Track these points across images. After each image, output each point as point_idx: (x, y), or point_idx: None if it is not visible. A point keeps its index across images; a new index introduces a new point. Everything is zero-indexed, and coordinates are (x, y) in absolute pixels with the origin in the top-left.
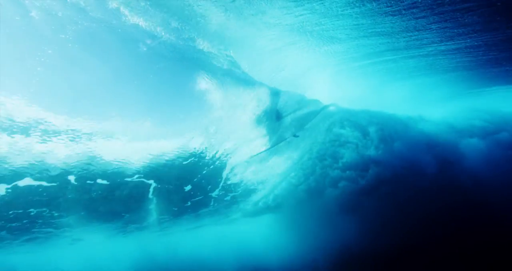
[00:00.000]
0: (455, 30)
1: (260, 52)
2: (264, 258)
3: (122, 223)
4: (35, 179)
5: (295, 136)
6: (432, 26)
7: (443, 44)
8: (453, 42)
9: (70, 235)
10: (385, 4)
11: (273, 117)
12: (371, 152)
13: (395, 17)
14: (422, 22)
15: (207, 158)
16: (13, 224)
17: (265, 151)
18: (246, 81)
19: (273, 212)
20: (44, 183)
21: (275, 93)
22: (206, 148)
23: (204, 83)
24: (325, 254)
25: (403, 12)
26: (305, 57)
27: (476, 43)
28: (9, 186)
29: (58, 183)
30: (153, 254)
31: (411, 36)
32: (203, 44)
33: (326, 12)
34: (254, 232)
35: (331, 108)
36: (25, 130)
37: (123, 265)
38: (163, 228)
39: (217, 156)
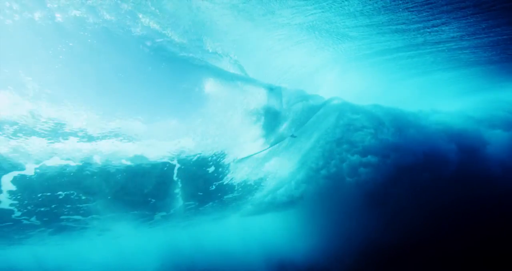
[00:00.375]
0: (477, 25)
1: (268, 52)
2: (290, 251)
3: (148, 210)
4: (63, 158)
5: (292, 136)
6: (452, 22)
7: (465, 39)
8: (475, 37)
9: (98, 225)
10: (401, 1)
11: (276, 114)
12: (389, 137)
13: (412, 13)
14: (441, 17)
15: (216, 153)
16: (42, 209)
17: (271, 146)
18: (251, 82)
19: (297, 204)
20: (71, 163)
21: (277, 91)
22: (216, 142)
23: (209, 83)
24: (349, 247)
25: (420, 8)
26: (314, 56)
27: (500, 38)
28: (38, 166)
29: (84, 163)
30: (179, 246)
31: (429, 32)
32: (209, 46)
33: (337, 10)
34: (279, 225)
35: (335, 101)
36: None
37: (150, 257)
38: (189, 217)
39: (227, 152)
